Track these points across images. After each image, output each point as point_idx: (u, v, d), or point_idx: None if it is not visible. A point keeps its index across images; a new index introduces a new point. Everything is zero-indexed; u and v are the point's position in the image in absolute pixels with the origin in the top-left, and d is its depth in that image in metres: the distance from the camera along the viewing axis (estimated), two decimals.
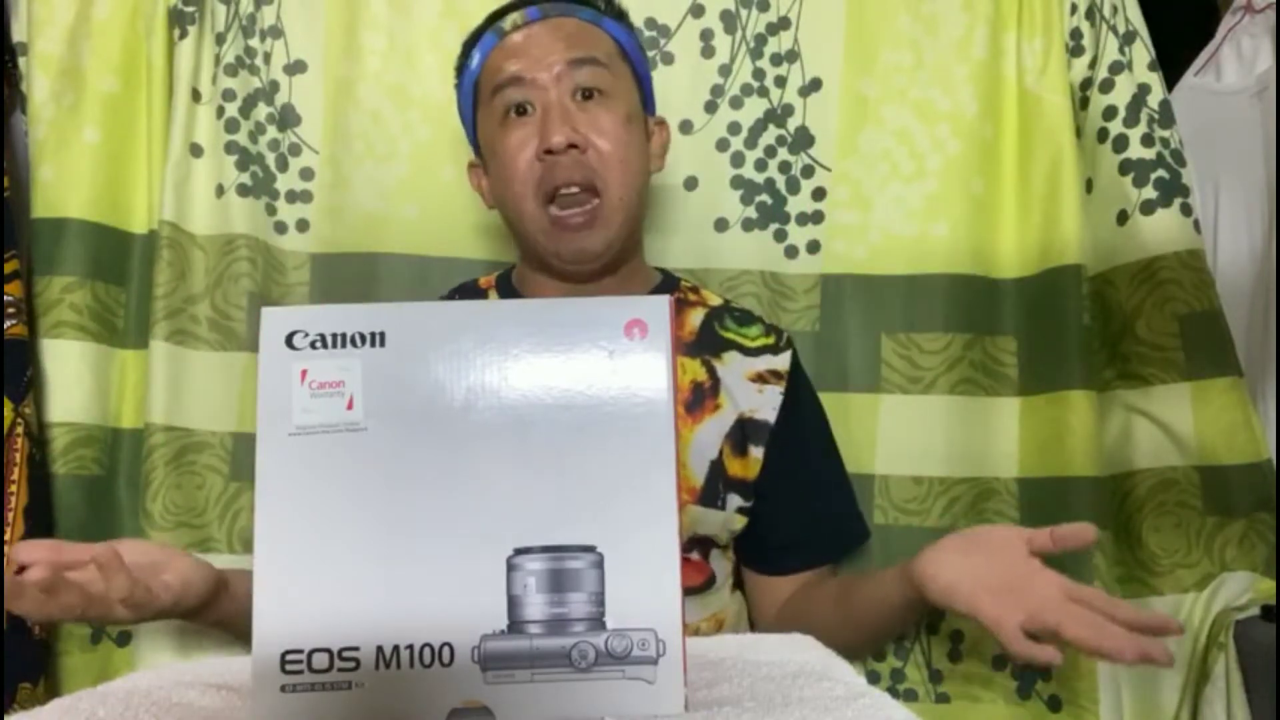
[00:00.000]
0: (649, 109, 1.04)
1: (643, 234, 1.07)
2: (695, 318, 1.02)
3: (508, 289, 1.04)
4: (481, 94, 0.98)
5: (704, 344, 1.00)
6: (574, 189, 0.92)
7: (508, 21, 0.97)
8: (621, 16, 1.03)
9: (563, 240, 0.93)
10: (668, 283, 1.06)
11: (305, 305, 1.17)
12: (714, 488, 0.95)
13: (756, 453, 0.97)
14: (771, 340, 1.02)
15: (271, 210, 1.20)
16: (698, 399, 0.97)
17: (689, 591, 0.92)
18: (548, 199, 0.92)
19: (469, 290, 1.07)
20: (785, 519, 0.98)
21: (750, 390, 0.99)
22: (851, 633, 0.92)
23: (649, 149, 1.01)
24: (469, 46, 1.01)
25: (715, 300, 1.05)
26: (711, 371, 0.98)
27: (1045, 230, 1.16)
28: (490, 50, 0.97)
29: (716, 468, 0.95)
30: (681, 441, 0.95)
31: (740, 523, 0.97)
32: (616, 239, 0.95)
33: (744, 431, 0.97)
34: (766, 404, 0.98)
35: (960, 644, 1.13)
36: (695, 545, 0.97)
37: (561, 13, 0.97)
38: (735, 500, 0.96)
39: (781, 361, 1.01)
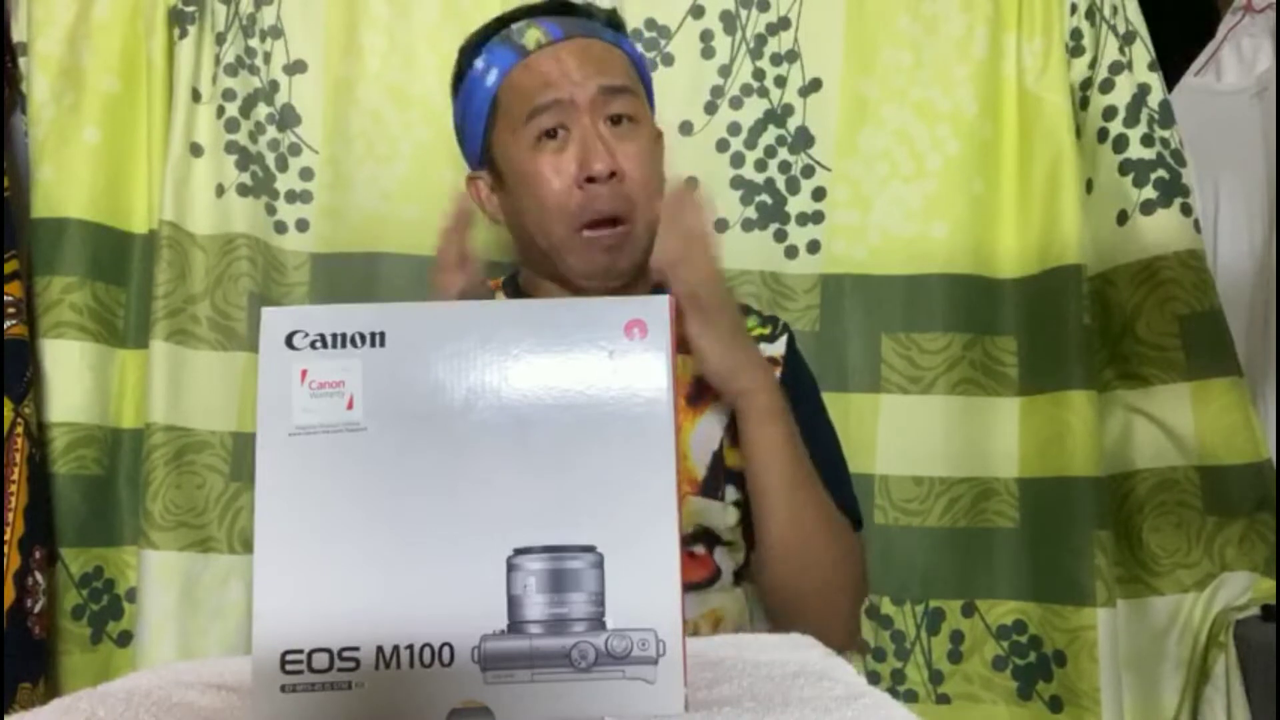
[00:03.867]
0: None
1: None
2: None
3: (515, 293, 1.03)
4: (506, 114, 0.95)
5: None
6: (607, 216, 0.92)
7: (529, 39, 0.95)
8: (622, 28, 1.02)
9: (594, 262, 0.94)
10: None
11: (305, 305, 1.17)
12: (715, 479, 0.94)
13: None
14: (767, 330, 1.01)
15: (271, 210, 1.20)
16: (699, 391, 0.95)
17: (691, 587, 0.91)
18: (585, 226, 0.92)
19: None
20: None
21: None
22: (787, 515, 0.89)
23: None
24: (473, 56, 0.98)
25: None
26: None
27: (1045, 230, 1.16)
28: (511, 68, 0.95)
29: (718, 459, 0.95)
30: (683, 433, 0.95)
31: (734, 515, 0.95)
32: (642, 259, 0.95)
33: None
34: None
35: (961, 644, 1.13)
36: (699, 539, 0.95)
37: (585, 33, 0.96)
38: (732, 492, 0.95)
39: (777, 348, 1.00)
